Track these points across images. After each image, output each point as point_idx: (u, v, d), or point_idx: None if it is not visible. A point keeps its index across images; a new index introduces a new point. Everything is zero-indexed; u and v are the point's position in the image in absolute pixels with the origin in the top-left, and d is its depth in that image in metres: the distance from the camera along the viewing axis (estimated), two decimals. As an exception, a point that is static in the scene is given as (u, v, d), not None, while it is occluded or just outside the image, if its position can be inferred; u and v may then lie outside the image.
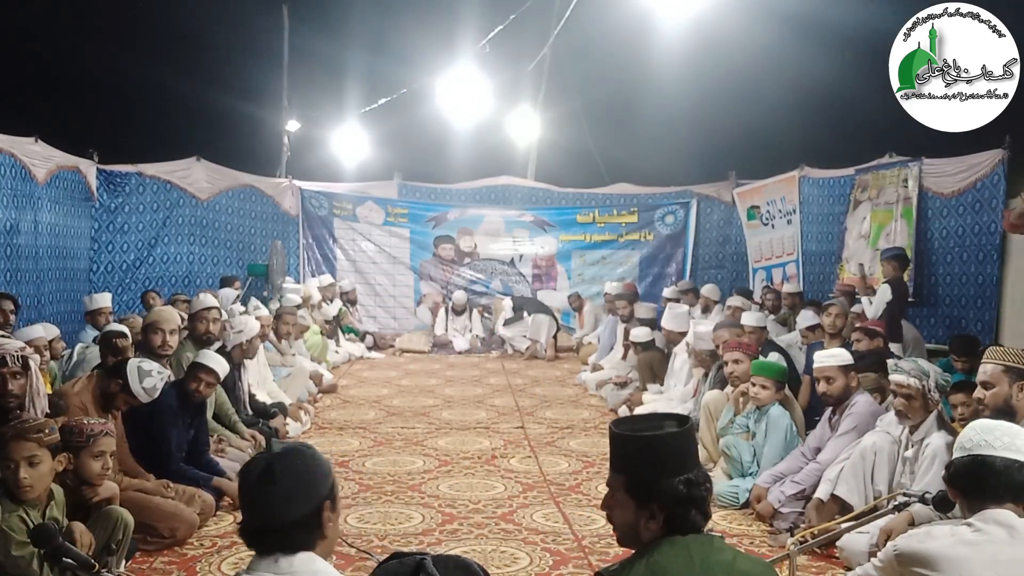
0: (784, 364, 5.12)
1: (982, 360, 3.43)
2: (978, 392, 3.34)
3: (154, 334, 4.92)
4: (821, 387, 4.41)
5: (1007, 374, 3.26)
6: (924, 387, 3.67)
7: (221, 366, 4.78)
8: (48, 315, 7.86)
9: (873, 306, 6.83)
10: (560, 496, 4.85)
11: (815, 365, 4.48)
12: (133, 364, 4.07)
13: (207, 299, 5.89)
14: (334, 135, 15.05)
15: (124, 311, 9.19)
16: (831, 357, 4.45)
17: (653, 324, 7.94)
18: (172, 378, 4.76)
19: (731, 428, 4.97)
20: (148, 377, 4.03)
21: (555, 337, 10.79)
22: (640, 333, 7.67)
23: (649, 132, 14.16)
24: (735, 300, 7.90)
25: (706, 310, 8.83)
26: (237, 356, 5.81)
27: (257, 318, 6.58)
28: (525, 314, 10.95)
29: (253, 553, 1.85)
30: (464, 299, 11.65)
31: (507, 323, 11.14)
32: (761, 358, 5.20)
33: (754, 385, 4.80)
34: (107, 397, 4.04)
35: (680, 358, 6.92)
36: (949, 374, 5.26)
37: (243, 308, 7.42)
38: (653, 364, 7.41)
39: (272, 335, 7.76)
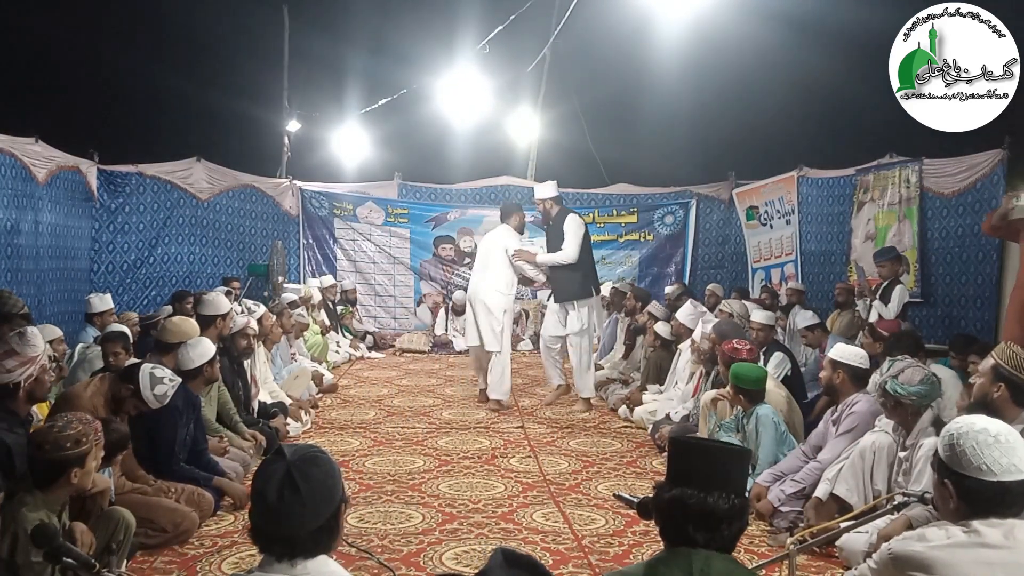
0: (765, 370, 5.07)
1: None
2: (973, 379, 3.47)
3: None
4: (820, 373, 4.66)
5: (993, 371, 3.34)
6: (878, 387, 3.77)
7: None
8: (49, 316, 7.86)
9: (892, 305, 6.85)
10: (560, 496, 4.86)
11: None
12: (145, 370, 4.06)
13: (221, 301, 5.90)
14: (334, 135, 15.06)
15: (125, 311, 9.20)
16: (833, 350, 4.54)
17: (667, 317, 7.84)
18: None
19: (719, 432, 4.96)
20: (160, 384, 4.04)
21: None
22: (663, 328, 7.57)
23: (649, 132, 14.18)
24: (731, 305, 7.80)
25: (713, 308, 8.79)
26: (241, 346, 5.85)
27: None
28: None
29: (255, 552, 1.85)
30: (464, 299, 11.63)
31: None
32: (763, 358, 5.21)
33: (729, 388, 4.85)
34: (117, 401, 4.02)
35: (684, 356, 6.87)
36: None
37: (240, 308, 7.41)
38: (662, 363, 7.37)
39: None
